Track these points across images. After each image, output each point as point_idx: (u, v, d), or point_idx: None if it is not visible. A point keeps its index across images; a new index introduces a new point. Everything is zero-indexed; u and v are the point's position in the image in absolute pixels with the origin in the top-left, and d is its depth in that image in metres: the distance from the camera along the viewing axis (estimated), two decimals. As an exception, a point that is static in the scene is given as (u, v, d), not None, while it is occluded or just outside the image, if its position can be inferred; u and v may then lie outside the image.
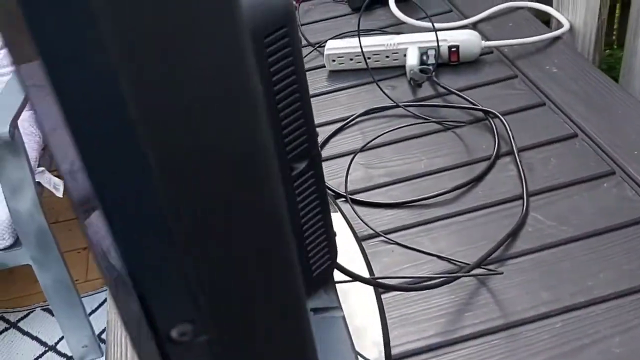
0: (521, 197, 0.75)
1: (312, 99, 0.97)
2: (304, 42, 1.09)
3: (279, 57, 0.43)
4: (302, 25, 1.13)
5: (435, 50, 0.96)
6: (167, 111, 0.18)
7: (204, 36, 0.19)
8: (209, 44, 0.19)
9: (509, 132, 0.83)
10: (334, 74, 1.01)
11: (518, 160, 0.79)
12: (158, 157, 0.18)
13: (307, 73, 1.03)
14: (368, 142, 0.86)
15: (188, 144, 0.19)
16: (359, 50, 0.98)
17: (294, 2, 0.46)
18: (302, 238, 0.50)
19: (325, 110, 0.95)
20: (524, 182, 0.77)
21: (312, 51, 1.06)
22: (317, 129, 0.91)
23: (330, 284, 0.54)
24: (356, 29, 1.11)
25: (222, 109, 0.20)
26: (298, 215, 0.49)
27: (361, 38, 1.02)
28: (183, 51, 0.18)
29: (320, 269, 0.53)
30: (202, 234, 0.20)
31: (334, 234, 0.54)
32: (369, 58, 0.99)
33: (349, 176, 0.82)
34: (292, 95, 0.45)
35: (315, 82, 1.01)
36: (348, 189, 0.81)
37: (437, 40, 0.93)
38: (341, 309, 0.53)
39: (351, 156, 0.84)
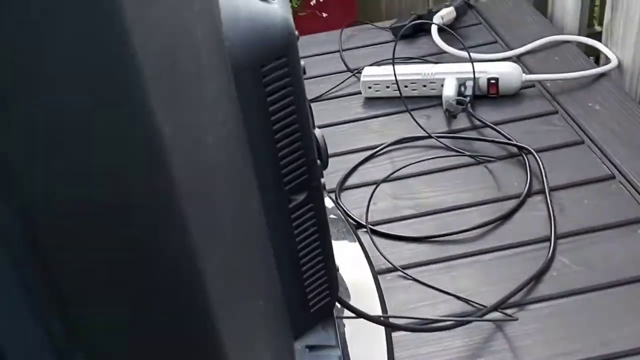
0: (548, 239, 0.72)
1: (345, 125, 0.96)
2: (342, 68, 1.08)
3: (277, 88, 0.42)
4: (343, 50, 1.12)
5: (474, 82, 0.93)
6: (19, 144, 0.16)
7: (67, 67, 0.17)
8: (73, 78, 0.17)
9: (542, 170, 0.80)
10: (370, 101, 0.99)
11: (549, 199, 0.76)
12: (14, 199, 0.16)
13: (343, 99, 1.02)
14: (393, 172, 0.84)
15: (53, 185, 0.17)
16: (395, 78, 0.96)
17: (296, 32, 0.44)
18: (300, 272, 0.48)
19: (356, 137, 0.93)
20: (552, 224, 0.73)
21: (350, 77, 1.05)
22: (347, 156, 0.90)
23: (330, 320, 0.52)
24: (398, 56, 1.09)
25: (96, 149, 0.18)
26: (295, 248, 0.47)
27: (400, 66, 1.00)
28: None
29: (319, 305, 0.51)
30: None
31: (336, 269, 0.52)
32: (405, 86, 0.97)
33: (374, 206, 0.80)
34: (291, 126, 0.43)
35: (350, 108, 0.99)
36: (372, 220, 0.78)
37: (474, 72, 0.90)
38: (339, 347, 0.51)
39: (378, 187, 0.82)
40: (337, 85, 1.03)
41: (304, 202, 0.46)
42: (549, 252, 0.70)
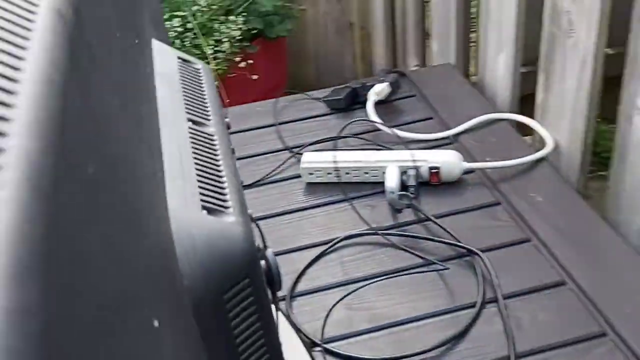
0: (509, 360, 0.69)
1: (287, 217, 0.91)
2: (279, 145, 1.02)
3: (240, 311, 0.36)
4: (279, 124, 1.06)
5: (416, 171, 0.89)
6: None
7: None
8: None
9: (492, 274, 0.77)
10: (311, 186, 0.94)
11: (503, 313, 0.73)
12: None
13: (283, 183, 0.96)
14: (345, 283, 0.79)
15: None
16: (336, 165, 0.91)
17: (257, 244, 0.38)
18: None
19: (301, 231, 0.87)
20: (511, 341, 0.70)
21: (289, 158, 0.99)
22: (293, 255, 0.84)
23: None
24: (333, 134, 1.03)
25: None
26: None
27: (340, 152, 0.96)
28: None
29: None
30: None
31: None
32: (347, 173, 0.92)
33: (327, 319, 0.75)
34: (259, 351, 0.38)
35: (291, 195, 0.93)
36: (325, 336, 0.73)
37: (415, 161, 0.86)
38: None
39: (330, 293, 0.77)
40: (277, 168, 0.98)
41: None
42: (510, 374, 0.67)
